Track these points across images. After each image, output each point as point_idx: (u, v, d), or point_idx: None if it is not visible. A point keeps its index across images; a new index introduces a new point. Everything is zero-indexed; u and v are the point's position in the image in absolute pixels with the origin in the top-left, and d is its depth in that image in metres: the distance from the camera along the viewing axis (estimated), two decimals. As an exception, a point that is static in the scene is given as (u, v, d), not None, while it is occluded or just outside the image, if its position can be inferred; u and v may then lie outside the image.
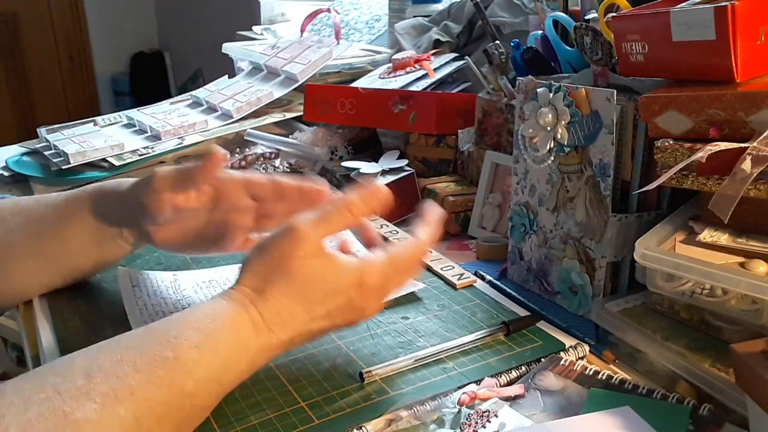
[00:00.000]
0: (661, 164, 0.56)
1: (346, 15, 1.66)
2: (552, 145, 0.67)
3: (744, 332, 0.52)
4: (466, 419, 0.51)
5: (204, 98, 1.27)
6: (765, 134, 0.50)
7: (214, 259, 0.78)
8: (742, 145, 0.50)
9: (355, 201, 0.53)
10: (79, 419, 0.40)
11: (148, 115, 1.22)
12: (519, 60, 0.84)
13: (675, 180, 0.55)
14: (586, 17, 0.76)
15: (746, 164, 0.49)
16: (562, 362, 0.58)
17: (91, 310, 0.67)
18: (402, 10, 1.41)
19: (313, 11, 1.54)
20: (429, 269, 0.76)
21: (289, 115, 1.21)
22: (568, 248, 0.67)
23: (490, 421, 0.50)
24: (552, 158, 0.68)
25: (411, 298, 0.69)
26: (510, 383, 0.56)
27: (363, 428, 0.50)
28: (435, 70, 1.13)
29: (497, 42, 0.90)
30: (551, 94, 0.66)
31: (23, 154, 1.14)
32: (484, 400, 0.53)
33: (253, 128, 1.15)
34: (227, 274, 0.73)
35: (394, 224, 0.88)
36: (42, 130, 1.18)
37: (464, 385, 0.55)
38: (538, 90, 0.67)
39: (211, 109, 1.24)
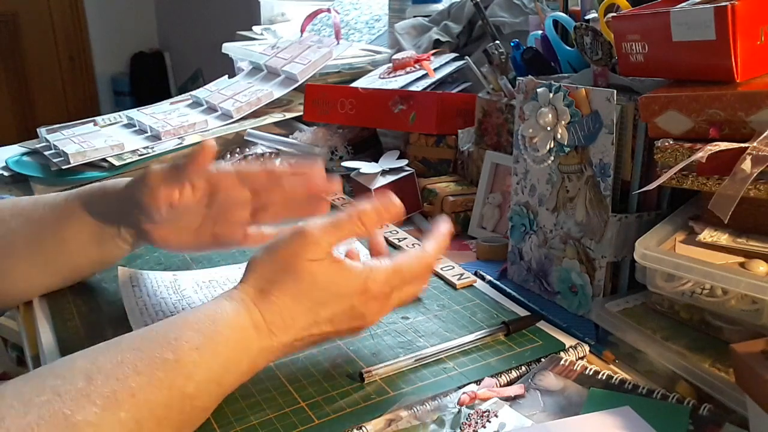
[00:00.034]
0: (661, 164, 0.56)
1: (346, 15, 1.66)
2: (552, 145, 0.67)
3: (744, 332, 0.52)
4: (466, 419, 0.51)
5: (204, 98, 1.27)
6: (765, 134, 0.50)
7: (214, 259, 0.78)
8: (742, 145, 0.50)
9: (368, 211, 0.54)
10: (80, 422, 0.40)
11: (148, 115, 1.22)
12: (519, 60, 0.84)
13: (675, 180, 0.55)
14: (586, 17, 0.76)
15: (746, 164, 0.49)
16: (562, 362, 0.58)
17: (91, 310, 0.67)
18: (402, 10, 1.41)
19: (313, 11, 1.54)
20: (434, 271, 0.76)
21: (289, 115, 1.21)
22: (568, 248, 0.67)
23: (490, 421, 0.50)
24: (552, 158, 0.68)
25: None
26: (510, 383, 0.56)
27: (363, 428, 0.50)
28: (435, 70, 1.13)
29: (497, 42, 0.90)
30: (551, 94, 0.66)
31: (23, 154, 1.14)
32: (484, 400, 0.53)
33: (253, 128, 1.15)
34: (227, 274, 0.73)
35: (394, 224, 0.88)
36: (42, 130, 1.18)
37: (464, 385, 0.55)
38: (538, 90, 0.67)
39: (211, 109, 1.24)
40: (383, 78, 1.17)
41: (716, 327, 0.55)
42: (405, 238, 0.83)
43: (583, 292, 0.66)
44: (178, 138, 1.12)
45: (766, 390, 0.43)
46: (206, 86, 1.34)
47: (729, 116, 0.53)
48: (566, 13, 0.83)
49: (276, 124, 1.19)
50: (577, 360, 0.59)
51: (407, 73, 1.14)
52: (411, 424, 0.51)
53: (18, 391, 0.41)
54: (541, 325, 0.64)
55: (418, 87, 1.08)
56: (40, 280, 0.67)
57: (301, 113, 1.11)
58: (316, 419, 0.51)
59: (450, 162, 0.98)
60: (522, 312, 0.67)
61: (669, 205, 0.66)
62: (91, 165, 1.04)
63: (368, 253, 0.60)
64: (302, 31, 1.51)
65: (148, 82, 3.66)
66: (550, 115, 0.66)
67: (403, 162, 0.94)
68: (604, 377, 0.55)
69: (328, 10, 1.50)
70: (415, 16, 1.36)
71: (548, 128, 0.67)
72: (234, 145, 1.13)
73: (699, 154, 0.51)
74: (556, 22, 0.82)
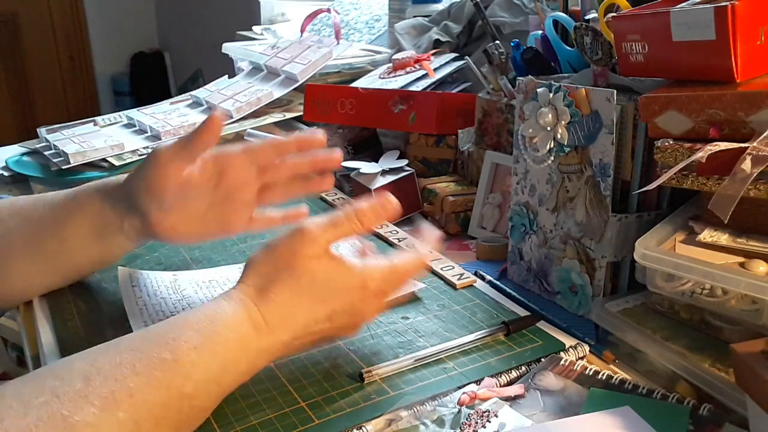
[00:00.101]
0: (661, 164, 0.56)
1: (346, 15, 1.66)
2: (552, 145, 0.67)
3: (744, 332, 0.52)
4: (466, 419, 0.51)
5: (204, 98, 1.27)
6: (765, 134, 0.50)
7: (214, 259, 0.78)
8: (742, 145, 0.50)
9: (366, 210, 0.54)
10: (78, 423, 0.40)
11: (148, 115, 1.22)
12: (519, 60, 0.84)
13: (675, 180, 0.55)
14: (586, 17, 0.76)
15: (746, 164, 0.49)
16: (562, 362, 0.58)
17: (91, 311, 0.67)
18: (402, 10, 1.41)
19: (313, 11, 1.54)
20: (429, 269, 0.76)
21: (289, 115, 1.21)
22: (568, 248, 0.67)
23: (490, 421, 0.50)
24: (552, 158, 0.68)
25: (411, 298, 0.69)
26: (510, 383, 0.56)
27: (363, 428, 0.50)
28: (435, 70, 1.13)
29: (497, 42, 0.90)
30: (551, 94, 0.66)
31: (23, 154, 1.14)
32: (484, 400, 0.53)
33: (253, 128, 1.15)
34: (227, 274, 0.73)
35: (394, 224, 0.88)
36: (42, 130, 1.18)
37: (464, 385, 0.55)
38: (538, 90, 0.67)
39: (211, 109, 1.24)
40: (383, 78, 1.17)
41: (716, 327, 0.55)
42: (405, 238, 0.83)
43: (583, 292, 0.66)
44: (178, 138, 1.12)
45: (766, 390, 0.43)
46: (206, 86, 1.34)
47: (729, 116, 0.53)
48: (566, 13, 0.83)
49: (276, 124, 1.19)
50: (577, 360, 0.59)
51: (407, 73, 1.14)
52: (411, 424, 0.51)
53: (17, 392, 0.41)
54: (541, 325, 0.64)
55: (418, 87, 1.08)
56: (40, 280, 0.67)
57: (301, 113, 1.11)
58: (316, 419, 0.51)
59: (450, 162, 0.98)
60: (522, 312, 0.67)
61: (669, 205, 0.66)
62: (91, 165, 1.05)
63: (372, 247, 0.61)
64: (302, 31, 1.51)
65: (148, 82, 3.66)
66: (550, 115, 0.66)
67: (403, 162, 0.94)
68: (604, 377, 0.55)
69: (328, 10, 1.50)
70: (415, 16, 1.36)
71: (548, 128, 0.67)
72: (234, 145, 1.12)
73: (699, 154, 0.51)
74: (556, 22, 0.82)
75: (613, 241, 0.63)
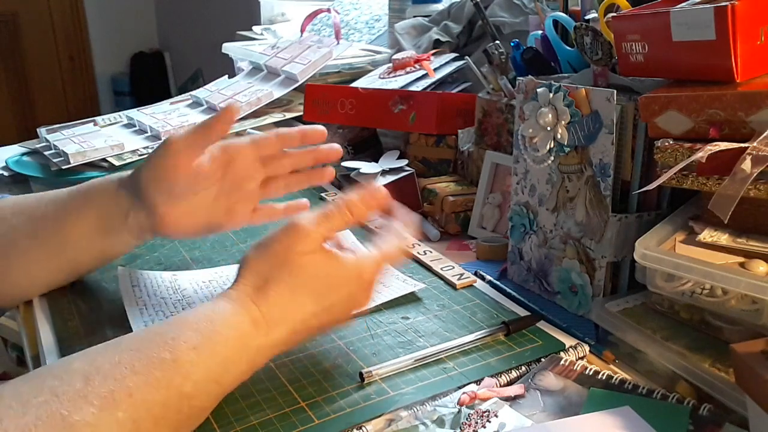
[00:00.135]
0: (661, 164, 0.56)
1: (346, 15, 1.66)
2: (552, 145, 0.67)
3: (744, 332, 0.52)
4: (466, 419, 0.51)
5: (204, 98, 1.27)
6: (765, 134, 0.50)
7: (214, 259, 0.78)
8: (742, 145, 0.50)
9: (355, 201, 0.55)
10: (77, 422, 0.40)
11: (148, 115, 1.22)
12: (519, 60, 0.84)
13: (675, 180, 0.55)
14: (586, 17, 0.76)
15: (746, 164, 0.49)
16: (562, 362, 0.58)
17: (91, 311, 0.67)
18: (402, 10, 1.41)
19: (313, 11, 1.54)
20: (429, 269, 0.76)
21: (289, 115, 1.21)
22: (568, 248, 0.67)
23: (490, 421, 0.50)
24: (552, 158, 0.68)
25: (411, 298, 0.69)
26: (510, 383, 0.56)
27: (363, 428, 0.50)
28: (435, 70, 1.13)
29: (497, 42, 0.90)
30: (551, 94, 0.66)
31: (23, 154, 1.13)
32: (484, 400, 0.53)
33: (253, 128, 1.15)
34: (227, 273, 0.73)
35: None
36: (42, 130, 1.18)
37: (464, 385, 0.55)
38: (538, 90, 0.67)
39: (211, 109, 1.24)
40: (383, 78, 1.17)
41: (716, 327, 0.55)
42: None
43: (583, 292, 0.66)
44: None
45: (766, 390, 0.43)
46: (206, 86, 1.34)
47: (729, 116, 0.53)
48: (566, 13, 0.83)
49: (276, 124, 1.19)
50: (577, 360, 0.59)
51: (407, 73, 1.14)
52: (411, 424, 0.51)
53: (16, 392, 0.41)
54: (541, 325, 0.64)
55: (418, 87, 1.08)
56: (43, 276, 0.67)
57: (301, 113, 1.11)
58: (316, 419, 0.51)
59: (450, 162, 0.98)
60: (522, 312, 0.67)
61: (669, 205, 0.66)
62: (91, 165, 1.05)
63: (355, 239, 0.61)
64: (302, 31, 1.51)
65: (148, 82, 3.66)
66: (550, 115, 0.66)
67: (403, 162, 0.94)
68: (604, 377, 0.55)
69: (328, 10, 1.50)
70: (415, 16, 1.36)
71: (548, 128, 0.67)
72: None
73: (699, 154, 0.51)
74: (556, 22, 0.82)
75: (613, 241, 0.63)
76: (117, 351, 0.45)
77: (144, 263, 0.77)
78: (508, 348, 0.61)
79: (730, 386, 0.49)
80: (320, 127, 0.71)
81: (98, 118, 1.25)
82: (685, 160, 0.53)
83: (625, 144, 0.63)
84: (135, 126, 1.19)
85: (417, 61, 1.15)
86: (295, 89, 1.23)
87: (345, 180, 0.98)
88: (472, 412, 0.51)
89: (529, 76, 0.71)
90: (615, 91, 0.61)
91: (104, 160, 1.05)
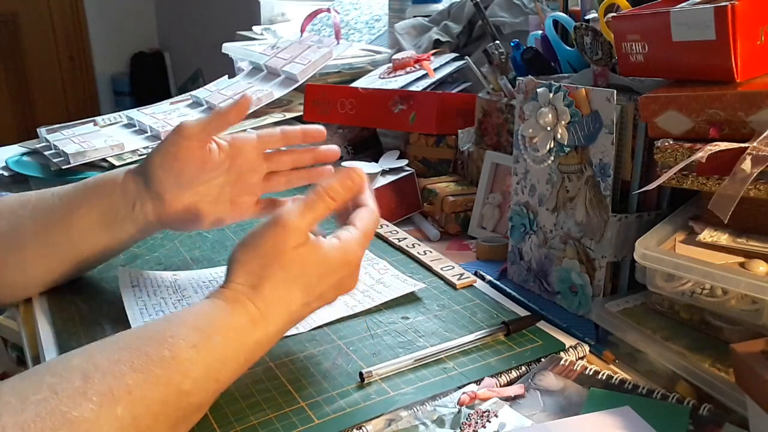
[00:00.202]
0: (661, 164, 0.56)
1: (346, 15, 1.66)
2: (552, 145, 0.67)
3: (744, 332, 0.52)
4: (466, 419, 0.51)
5: (204, 98, 1.27)
6: (765, 134, 0.50)
7: (214, 259, 0.78)
8: (742, 145, 0.50)
9: (334, 186, 0.55)
10: (77, 419, 0.41)
11: (148, 115, 1.22)
12: (519, 60, 0.84)
13: (675, 180, 0.55)
14: (586, 17, 0.76)
15: (746, 164, 0.49)
16: (562, 362, 0.58)
17: (91, 310, 0.67)
18: (402, 10, 1.41)
19: (313, 11, 1.54)
20: (429, 269, 0.76)
21: (289, 115, 1.21)
22: (568, 248, 0.67)
23: (490, 421, 0.50)
24: (552, 158, 0.68)
25: (411, 298, 0.69)
26: (510, 383, 0.56)
27: (363, 428, 0.50)
28: (435, 70, 1.13)
29: (497, 42, 0.90)
30: (551, 94, 0.66)
31: (23, 154, 1.14)
32: (484, 400, 0.53)
33: (253, 128, 1.14)
34: (227, 274, 0.73)
35: (394, 224, 0.88)
36: (42, 130, 1.18)
37: (464, 385, 0.55)
38: (538, 90, 0.67)
39: (211, 109, 1.24)
40: (383, 78, 1.17)
41: (716, 327, 0.55)
42: (405, 238, 0.83)
43: (583, 292, 0.66)
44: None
45: (766, 390, 0.43)
46: (206, 86, 1.34)
47: (729, 116, 0.53)
48: (566, 13, 0.83)
49: (276, 124, 1.19)
50: (577, 360, 0.59)
51: (407, 73, 1.14)
52: (411, 424, 0.51)
53: (15, 389, 0.41)
54: (541, 325, 0.64)
55: (418, 87, 1.08)
56: (49, 268, 0.66)
57: (301, 113, 1.11)
58: (316, 419, 0.51)
59: (450, 162, 0.98)
60: (522, 312, 0.67)
61: (669, 205, 0.66)
62: (91, 165, 1.04)
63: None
64: (302, 31, 1.51)
65: (148, 82, 3.66)
66: (550, 115, 0.66)
67: (403, 162, 0.94)
68: (604, 377, 0.55)
69: (328, 10, 1.50)
70: (415, 16, 1.36)
71: (548, 128, 0.67)
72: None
73: (699, 154, 0.51)
74: (556, 22, 0.82)
75: (613, 241, 0.63)
76: (116, 348, 0.45)
77: (144, 263, 0.77)
78: (508, 348, 0.61)
79: (730, 386, 0.49)
80: (320, 127, 0.73)
81: (98, 118, 1.25)
82: (685, 160, 0.53)
83: (625, 144, 0.63)
84: (135, 126, 1.19)
85: (417, 61, 1.15)
86: (295, 89, 1.23)
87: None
88: (472, 412, 0.51)
89: (529, 76, 0.71)
90: (615, 91, 0.61)
91: (104, 160, 1.05)
